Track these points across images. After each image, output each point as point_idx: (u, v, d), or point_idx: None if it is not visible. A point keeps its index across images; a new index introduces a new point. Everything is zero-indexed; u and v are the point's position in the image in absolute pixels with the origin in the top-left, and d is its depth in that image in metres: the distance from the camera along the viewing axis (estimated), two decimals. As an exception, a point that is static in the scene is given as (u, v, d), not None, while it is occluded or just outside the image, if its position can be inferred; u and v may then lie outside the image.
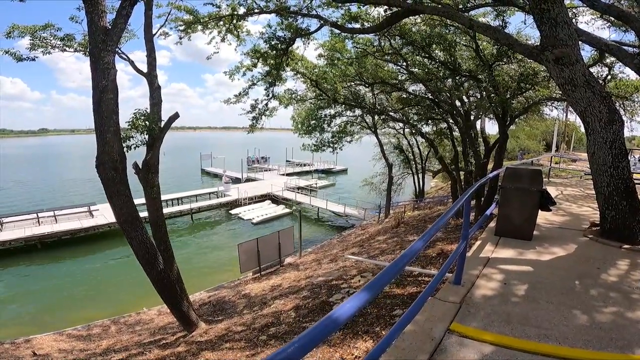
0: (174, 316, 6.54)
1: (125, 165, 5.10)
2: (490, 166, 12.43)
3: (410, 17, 9.91)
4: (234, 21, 10.21)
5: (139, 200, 6.46)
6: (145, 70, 6.58)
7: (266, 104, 11.54)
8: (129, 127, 5.34)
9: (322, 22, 9.02)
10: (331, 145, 16.40)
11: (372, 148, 26.44)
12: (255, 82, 11.38)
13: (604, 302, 3.37)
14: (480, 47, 9.32)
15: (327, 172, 50.42)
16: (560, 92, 10.13)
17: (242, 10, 9.46)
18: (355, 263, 7.01)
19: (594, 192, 9.38)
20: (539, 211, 4.90)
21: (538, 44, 4.81)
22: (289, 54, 10.62)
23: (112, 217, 6.54)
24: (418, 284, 4.70)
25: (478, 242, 4.77)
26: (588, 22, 8.98)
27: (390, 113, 16.24)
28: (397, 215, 16.67)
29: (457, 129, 13.61)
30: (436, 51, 10.41)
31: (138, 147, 5.58)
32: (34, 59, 8.00)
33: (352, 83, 14.30)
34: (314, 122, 16.15)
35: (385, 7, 7.84)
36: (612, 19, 8.33)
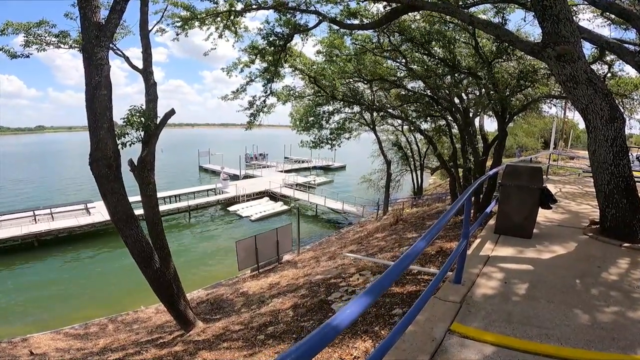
0: (171, 315, 6.49)
1: (119, 162, 5.02)
2: (489, 163, 12.41)
3: (410, 14, 9.85)
4: (232, 17, 10.12)
5: (135, 197, 6.39)
6: (141, 66, 6.49)
7: (264, 101, 11.46)
8: (124, 123, 5.27)
9: (320, 18, 8.93)
10: (329, 142, 16.35)
11: (371, 145, 26.38)
12: (253, 78, 11.30)
13: (605, 302, 3.35)
14: (480, 44, 9.27)
15: (326, 169, 50.36)
16: (560, 90, 10.19)
17: (239, 6, 9.37)
18: (353, 261, 6.98)
19: (592, 189, 9.37)
20: (539, 209, 4.87)
21: (539, 41, 4.76)
22: (287, 50, 10.54)
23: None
24: (417, 283, 4.67)
25: (478, 240, 4.74)
26: (590, 19, 8.94)
27: (389, 110, 16.18)
28: (396, 213, 16.65)
29: (455, 126, 13.57)
30: (435, 48, 10.35)
31: (133, 144, 5.51)
32: (28, 56, 7.96)
33: (351, 80, 14.23)
34: (312, 118, 16.10)
35: (385, 3, 7.77)
36: (613, 16, 8.29)
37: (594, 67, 9.35)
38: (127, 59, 7.07)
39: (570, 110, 20.36)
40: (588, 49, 9.25)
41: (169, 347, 5.60)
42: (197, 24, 10.12)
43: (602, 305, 3.29)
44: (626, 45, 6.99)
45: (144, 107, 5.85)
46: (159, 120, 5.92)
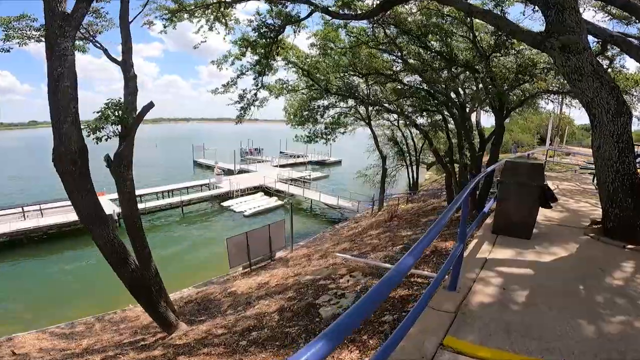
0: (151, 317, 6.20)
1: (86, 158, 4.68)
2: (485, 159, 12.19)
3: (406, 7, 9.59)
4: (222, 9, 9.81)
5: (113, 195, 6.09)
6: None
7: (255, 94, 11.11)
8: (99, 117, 4.95)
9: (312, 8, 8.59)
10: (324, 136, 16.04)
11: (367, 139, 26.10)
12: (244, 71, 10.93)
13: (610, 310, 3.13)
14: (478, 38, 8.99)
15: (321, 164, 50.07)
16: (558, 85, 9.95)
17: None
18: (345, 261, 6.74)
19: (590, 186, 9.09)
20: (539, 208, 4.62)
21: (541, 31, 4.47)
22: (279, 42, 10.20)
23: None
24: (410, 286, 4.42)
25: (474, 241, 4.49)
26: (593, 16, 8.71)
27: (385, 104, 15.88)
28: (391, 209, 16.43)
29: (452, 121, 13.33)
30: (432, 42, 10.08)
31: (110, 138, 5.20)
32: (8, 51, 7.86)
33: (345, 74, 13.91)
34: (306, 112, 15.78)
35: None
36: (614, 12, 8.09)
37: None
38: (105, 51, 6.82)
39: (566, 105, 20.17)
40: (589, 43, 8.99)
41: (149, 350, 5.34)
42: (186, 16, 9.82)
43: (607, 314, 3.07)
44: (629, 39, 6.74)
45: (122, 100, 5.52)
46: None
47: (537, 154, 19.48)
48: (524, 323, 2.82)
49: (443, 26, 9.28)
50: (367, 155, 28.81)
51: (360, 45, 11.41)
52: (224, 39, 10.41)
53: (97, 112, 4.97)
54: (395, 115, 19.61)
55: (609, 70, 9.57)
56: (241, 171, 39.21)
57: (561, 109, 25.60)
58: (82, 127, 4.76)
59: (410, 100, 14.51)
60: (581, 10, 8.44)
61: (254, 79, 10.71)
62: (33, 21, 7.83)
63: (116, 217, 20.16)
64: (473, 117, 12.61)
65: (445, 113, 13.27)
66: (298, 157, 51.38)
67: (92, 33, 8.71)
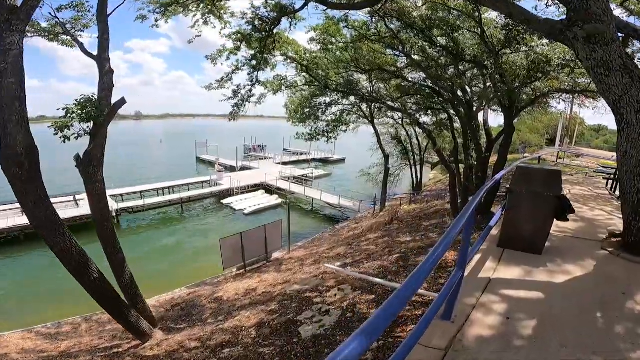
0: (120, 325, 5.78)
1: (34, 160, 4.26)
2: (492, 160, 11.61)
3: (411, 1, 9.07)
4: (215, 2, 9.37)
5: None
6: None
7: (249, 90, 10.65)
8: (64, 114, 4.52)
9: (308, -3, 8.08)
10: (326, 134, 15.57)
11: (371, 137, 25.55)
12: (239, 66, 10.51)
13: (633, 344, 2.62)
14: (486, 32, 8.42)
15: (325, 162, 49.56)
16: (571, 84, 9.32)
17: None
18: (335, 271, 6.28)
19: (604, 191, 8.39)
20: (554, 221, 4.08)
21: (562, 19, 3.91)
22: (275, 36, 9.75)
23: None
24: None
25: (477, 257, 3.96)
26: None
27: (388, 102, 15.34)
28: (392, 211, 15.91)
29: (457, 120, 12.77)
30: (437, 37, 9.55)
31: (81, 136, 4.78)
32: None
33: (347, 70, 13.41)
34: (308, 109, 15.33)
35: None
36: (633, 7, 7.54)
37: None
38: (80, 45, 6.47)
39: (577, 105, 19.40)
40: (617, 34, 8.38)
41: (118, 359, 4.93)
42: (180, 9, 9.42)
43: (630, 349, 2.56)
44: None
45: (95, 96, 5.09)
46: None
47: (545, 156, 18.77)
48: (532, 365, 2.33)
49: (449, 20, 8.73)
50: (370, 153, 28.26)
51: (362, 40, 10.91)
52: (220, 33, 10.04)
53: (62, 109, 4.54)
54: (400, 114, 19.03)
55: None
56: (243, 168, 38.82)
57: (571, 109, 24.78)
58: (49, 125, 4.40)
59: (415, 98, 13.98)
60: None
61: (249, 74, 10.26)
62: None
63: (114, 214, 19.87)
64: (480, 116, 12.05)
65: (451, 111, 12.70)
66: (301, 154, 50.88)
67: (80, 28, 8.39)
